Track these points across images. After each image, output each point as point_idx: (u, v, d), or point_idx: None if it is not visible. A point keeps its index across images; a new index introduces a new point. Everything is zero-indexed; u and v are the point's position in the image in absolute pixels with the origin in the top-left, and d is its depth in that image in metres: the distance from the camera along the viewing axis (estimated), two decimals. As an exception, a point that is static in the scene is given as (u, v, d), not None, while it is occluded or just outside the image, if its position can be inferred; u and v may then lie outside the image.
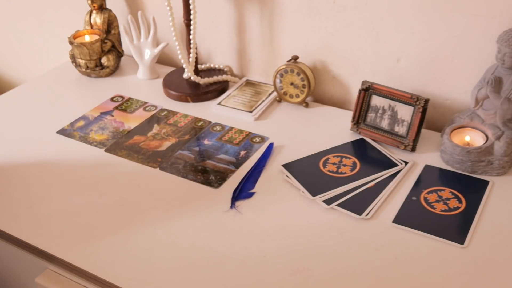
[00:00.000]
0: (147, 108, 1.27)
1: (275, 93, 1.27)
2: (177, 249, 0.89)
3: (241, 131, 1.17)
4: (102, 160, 1.11)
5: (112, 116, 1.24)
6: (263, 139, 1.14)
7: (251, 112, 1.22)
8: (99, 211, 0.98)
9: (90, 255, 0.89)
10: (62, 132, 1.20)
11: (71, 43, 1.37)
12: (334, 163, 1.05)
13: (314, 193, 0.98)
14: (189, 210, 0.97)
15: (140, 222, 0.95)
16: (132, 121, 1.22)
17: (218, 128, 1.18)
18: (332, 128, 1.16)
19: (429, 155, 1.07)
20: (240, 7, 1.28)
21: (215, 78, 1.32)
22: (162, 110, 1.26)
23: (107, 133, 1.18)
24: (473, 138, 1.05)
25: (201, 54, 1.40)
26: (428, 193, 0.98)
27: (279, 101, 1.26)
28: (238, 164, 1.07)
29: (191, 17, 1.24)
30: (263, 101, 1.25)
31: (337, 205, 0.96)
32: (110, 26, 1.41)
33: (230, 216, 0.95)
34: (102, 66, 1.39)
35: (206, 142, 1.14)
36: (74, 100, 1.32)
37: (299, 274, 0.84)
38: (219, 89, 1.31)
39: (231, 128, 1.18)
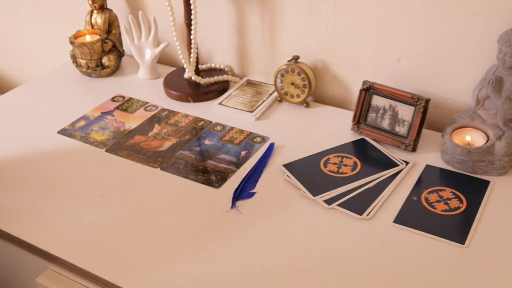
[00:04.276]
0: (148, 108, 1.27)
1: (275, 93, 1.27)
2: (178, 248, 0.89)
3: (241, 131, 1.17)
4: (102, 160, 1.11)
5: (113, 116, 1.25)
6: (263, 139, 1.14)
7: (251, 112, 1.22)
8: (99, 211, 0.98)
9: (91, 255, 0.89)
10: (63, 132, 1.20)
11: (72, 43, 1.37)
12: (335, 163, 1.06)
13: (314, 193, 0.98)
14: (190, 210, 0.97)
15: (141, 222, 0.95)
16: (133, 121, 1.22)
17: (218, 128, 1.19)
18: (332, 128, 1.16)
19: (430, 155, 1.07)
20: (241, 7, 1.28)
21: (215, 78, 1.32)
22: (163, 110, 1.26)
23: (108, 133, 1.18)
24: (474, 138, 1.05)
25: (202, 54, 1.40)
26: (429, 193, 0.98)
27: (280, 101, 1.26)
28: (238, 164, 1.07)
29: (192, 17, 1.24)
30: (263, 101, 1.25)
31: (338, 205, 0.96)
32: (111, 26, 1.41)
33: (230, 216, 0.95)
34: (103, 66, 1.39)
35: (206, 142, 1.14)
36: (75, 100, 1.32)
37: (300, 274, 0.84)
38: (220, 89, 1.31)
39: (232, 128, 1.18)
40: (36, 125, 1.23)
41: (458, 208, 0.94)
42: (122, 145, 1.15)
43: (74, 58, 1.40)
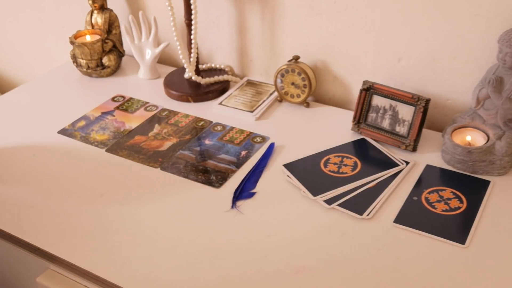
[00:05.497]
0: (148, 108, 1.27)
1: (276, 93, 1.27)
2: (178, 248, 0.89)
3: (242, 131, 1.17)
4: (103, 160, 1.11)
5: (113, 116, 1.25)
6: (264, 139, 1.14)
7: (252, 112, 1.22)
8: (100, 211, 0.98)
9: (91, 255, 0.89)
10: (63, 132, 1.20)
11: (72, 43, 1.37)
12: (335, 163, 1.05)
13: (315, 193, 0.98)
14: (190, 210, 0.97)
15: (141, 222, 0.95)
16: (133, 121, 1.22)
17: (219, 128, 1.19)
18: (333, 128, 1.16)
19: (430, 155, 1.07)
20: (241, 7, 1.28)
21: (216, 78, 1.32)
22: (163, 110, 1.26)
23: (108, 133, 1.18)
24: (474, 138, 1.05)
25: (202, 54, 1.40)
26: (429, 193, 0.98)
27: (280, 101, 1.26)
28: (239, 164, 1.07)
29: (192, 17, 1.24)
30: (264, 101, 1.25)
31: (338, 205, 0.96)
32: (111, 26, 1.41)
33: (231, 216, 0.95)
34: (103, 66, 1.39)
35: (207, 142, 1.14)
36: (75, 100, 1.32)
37: (300, 274, 0.84)
38: (220, 89, 1.31)
39: (232, 128, 1.18)
40: (36, 125, 1.23)
41: (459, 208, 0.94)
42: (122, 145, 1.15)
43: (74, 58, 1.40)
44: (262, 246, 0.89)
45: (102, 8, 1.40)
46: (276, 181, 1.03)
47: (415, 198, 0.97)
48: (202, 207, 0.98)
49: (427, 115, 1.07)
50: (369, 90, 1.12)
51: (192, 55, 1.29)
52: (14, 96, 1.36)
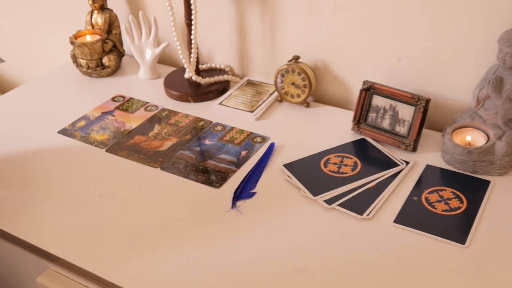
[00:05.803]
0: (148, 108, 1.27)
1: (276, 93, 1.27)
2: (178, 248, 0.89)
3: (242, 131, 1.17)
4: (103, 160, 1.11)
5: (113, 116, 1.25)
6: (264, 139, 1.14)
7: (252, 112, 1.22)
8: (100, 211, 0.98)
9: (91, 255, 0.89)
10: (63, 132, 1.20)
11: (72, 43, 1.37)
12: (335, 163, 1.05)
13: (315, 193, 0.98)
14: (190, 210, 0.97)
15: (141, 222, 0.95)
16: (133, 121, 1.22)
17: (219, 128, 1.19)
18: (333, 128, 1.16)
19: (430, 155, 1.07)
20: (241, 7, 1.28)
21: (216, 78, 1.32)
22: (163, 110, 1.26)
23: (108, 133, 1.18)
24: (474, 138, 1.05)
25: (202, 54, 1.40)
26: (429, 193, 0.98)
27: (280, 101, 1.26)
28: (239, 164, 1.07)
29: (192, 17, 1.24)
30: (264, 101, 1.25)
31: (338, 205, 0.96)
32: (111, 26, 1.41)
33: (231, 216, 0.95)
34: (103, 66, 1.39)
35: (207, 142, 1.14)
36: (75, 100, 1.32)
37: (300, 274, 0.84)
38: (220, 89, 1.31)
39: (232, 128, 1.18)
40: (36, 125, 1.23)
41: (459, 208, 0.94)
42: (122, 145, 1.15)
43: (74, 58, 1.40)
44: (262, 246, 0.89)
45: (102, 8, 1.40)
46: (276, 181, 1.03)
47: (415, 198, 0.97)
48: (202, 207, 0.98)
49: (427, 115, 1.07)
50: (369, 90, 1.12)
51: (192, 55, 1.29)
52: (14, 96, 1.36)
